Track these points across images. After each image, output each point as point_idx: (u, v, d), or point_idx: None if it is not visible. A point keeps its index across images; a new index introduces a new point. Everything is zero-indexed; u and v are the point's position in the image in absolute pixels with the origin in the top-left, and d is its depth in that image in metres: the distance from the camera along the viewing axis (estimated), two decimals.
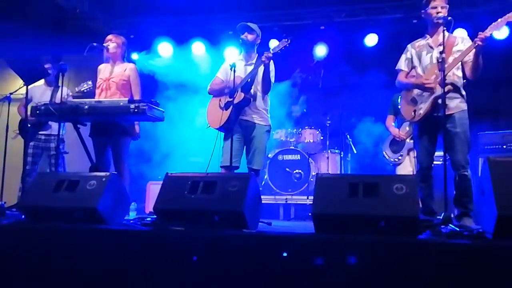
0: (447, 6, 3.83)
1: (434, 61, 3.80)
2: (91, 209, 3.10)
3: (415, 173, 5.38)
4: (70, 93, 5.18)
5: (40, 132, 5.49)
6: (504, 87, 7.05)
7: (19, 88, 4.71)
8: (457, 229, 2.95)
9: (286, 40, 4.33)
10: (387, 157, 5.97)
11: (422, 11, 3.94)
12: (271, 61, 4.36)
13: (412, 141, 5.60)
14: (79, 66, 4.67)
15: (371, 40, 7.34)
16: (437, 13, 3.80)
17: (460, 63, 3.78)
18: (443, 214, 3.14)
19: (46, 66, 5.06)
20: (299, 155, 6.50)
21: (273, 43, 4.47)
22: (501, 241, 2.47)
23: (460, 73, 3.84)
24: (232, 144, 4.23)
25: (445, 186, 3.28)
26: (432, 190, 3.85)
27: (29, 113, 4.28)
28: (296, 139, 6.81)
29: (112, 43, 4.62)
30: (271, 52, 4.27)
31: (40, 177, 3.58)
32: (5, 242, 3.01)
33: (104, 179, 3.27)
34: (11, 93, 4.98)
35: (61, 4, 7.01)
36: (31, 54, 4.28)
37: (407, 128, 5.61)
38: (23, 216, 3.43)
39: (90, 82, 4.72)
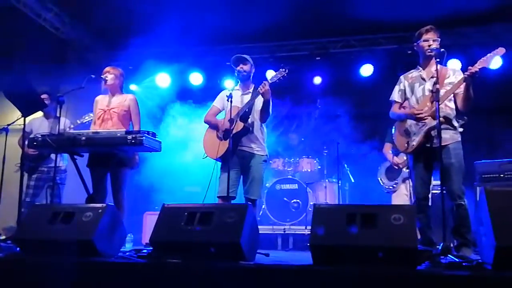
0: (439, 39, 3.90)
1: (427, 93, 3.86)
2: (87, 241, 3.07)
3: (410, 202, 5.40)
4: (72, 125, 5.21)
5: (43, 165, 5.51)
6: (499, 116, 7.12)
7: (17, 120, 4.72)
8: (456, 259, 2.93)
9: (283, 70, 4.37)
10: (382, 184, 5.98)
11: (415, 43, 4.02)
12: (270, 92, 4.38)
13: (408, 170, 5.63)
14: (77, 97, 4.70)
15: (366, 70, 7.45)
16: (429, 46, 3.87)
17: (452, 95, 3.83)
18: (442, 244, 3.12)
19: (43, 97, 5.09)
20: (296, 185, 6.48)
21: (270, 74, 4.52)
22: (500, 272, 2.44)
23: (452, 105, 3.88)
24: (229, 174, 4.23)
25: (443, 216, 3.27)
26: (430, 220, 3.84)
27: (27, 144, 4.28)
28: (293, 169, 6.80)
29: (110, 74, 4.65)
30: (269, 81, 4.32)
31: (35, 209, 3.56)
32: (0, 275, 2.96)
33: (100, 210, 3.25)
34: (8, 125, 5.00)
35: (61, 36, 7.12)
36: (29, 86, 4.28)
37: (404, 158, 5.63)
38: (18, 249, 3.39)
39: (91, 114, 4.75)
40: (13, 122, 5.01)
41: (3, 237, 4.38)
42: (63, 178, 5.56)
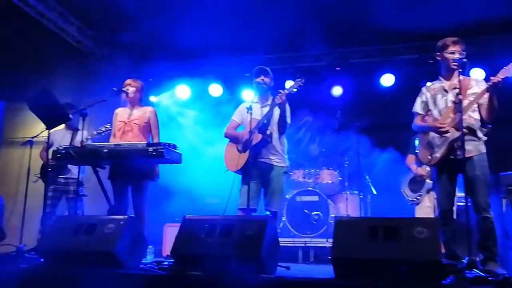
0: (465, 52, 3.82)
1: (449, 104, 3.79)
2: (109, 252, 3.10)
3: (435, 213, 5.30)
4: (89, 136, 5.26)
5: (60, 176, 5.57)
6: None
7: (41, 132, 4.81)
8: (482, 274, 2.86)
9: (300, 80, 4.37)
10: (406, 196, 5.89)
11: (438, 53, 3.94)
12: (286, 102, 4.37)
13: (431, 181, 5.54)
14: (97, 109, 4.76)
15: (387, 80, 7.38)
16: (454, 58, 3.79)
17: (476, 105, 3.76)
18: (467, 258, 3.05)
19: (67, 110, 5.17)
20: (317, 196, 6.41)
21: (289, 84, 4.52)
22: None
23: (477, 115, 3.80)
24: (249, 186, 4.21)
25: (468, 229, 3.20)
26: (454, 233, 3.75)
27: (50, 157, 4.34)
28: (314, 180, 6.74)
29: (131, 87, 4.69)
30: (286, 91, 4.31)
31: (59, 221, 3.61)
32: (24, 285, 3.00)
33: (122, 222, 3.28)
34: (33, 137, 5.09)
35: (83, 49, 7.26)
36: (53, 98, 4.35)
37: (428, 168, 5.54)
38: (41, 260, 3.43)
39: (108, 126, 4.79)
40: (37, 135, 5.11)
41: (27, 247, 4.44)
42: (81, 190, 5.56)
